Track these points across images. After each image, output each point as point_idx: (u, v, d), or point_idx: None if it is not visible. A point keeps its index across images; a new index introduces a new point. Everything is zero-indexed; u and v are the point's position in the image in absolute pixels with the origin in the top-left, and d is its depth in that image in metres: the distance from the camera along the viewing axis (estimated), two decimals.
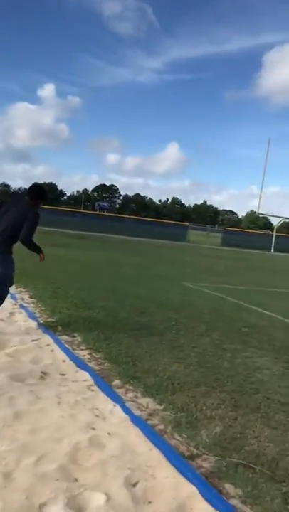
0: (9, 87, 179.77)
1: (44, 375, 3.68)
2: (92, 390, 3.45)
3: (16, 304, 6.00)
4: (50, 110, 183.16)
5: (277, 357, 4.98)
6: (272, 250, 39.75)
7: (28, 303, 6.20)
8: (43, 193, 5.02)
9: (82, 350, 4.42)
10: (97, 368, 3.95)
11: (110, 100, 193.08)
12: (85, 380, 3.62)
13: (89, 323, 5.32)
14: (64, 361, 4.06)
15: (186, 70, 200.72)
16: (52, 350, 4.29)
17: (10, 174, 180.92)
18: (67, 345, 4.47)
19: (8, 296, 5.15)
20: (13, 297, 6.21)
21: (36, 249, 4.76)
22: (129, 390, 3.51)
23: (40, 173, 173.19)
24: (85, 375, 3.72)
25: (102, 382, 3.58)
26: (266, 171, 42.21)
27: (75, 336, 4.85)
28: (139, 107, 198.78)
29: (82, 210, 58.58)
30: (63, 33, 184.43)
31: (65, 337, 4.78)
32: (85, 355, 4.25)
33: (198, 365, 4.28)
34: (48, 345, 4.44)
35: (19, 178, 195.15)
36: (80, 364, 3.97)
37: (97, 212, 64.35)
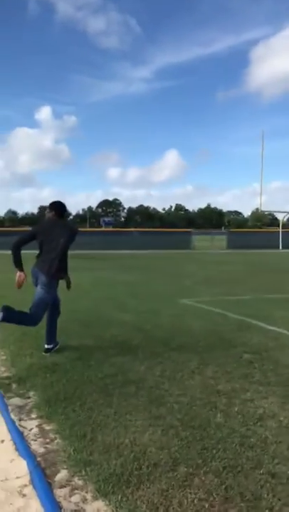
0: (7, 115, 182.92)
1: None
2: (24, 496, 2.46)
3: None
4: (49, 132, 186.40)
5: (286, 394, 3.95)
6: (280, 248, 38.51)
7: None
8: (63, 207, 5.16)
9: (33, 419, 3.44)
10: (42, 450, 2.96)
11: (105, 115, 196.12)
12: (18, 477, 2.63)
13: (51, 375, 4.33)
14: (3, 442, 3.09)
15: (175, 76, 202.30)
16: None
17: (18, 200, 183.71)
18: (13, 415, 3.49)
19: None
20: None
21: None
22: (76, 490, 2.51)
23: (46, 196, 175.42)
24: (22, 467, 2.73)
25: (41, 480, 2.59)
26: (266, 167, 41.19)
27: (29, 397, 3.87)
28: (133, 118, 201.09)
29: (87, 229, 57.68)
30: (52, 55, 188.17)
31: (16, 400, 3.81)
32: (32, 429, 3.27)
33: (181, 426, 3.26)
34: None
35: (27, 202, 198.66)
36: (21, 447, 2.98)
37: (103, 228, 63.44)
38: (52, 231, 4.81)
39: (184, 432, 3.17)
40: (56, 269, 4.72)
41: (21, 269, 4.76)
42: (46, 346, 5.13)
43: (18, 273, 4.77)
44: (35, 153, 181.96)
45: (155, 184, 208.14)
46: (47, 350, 5.09)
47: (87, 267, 17.88)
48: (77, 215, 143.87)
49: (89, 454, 2.85)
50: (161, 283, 12.60)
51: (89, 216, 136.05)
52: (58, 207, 5.05)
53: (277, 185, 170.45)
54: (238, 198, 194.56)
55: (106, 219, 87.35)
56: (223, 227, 52.55)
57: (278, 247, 38.63)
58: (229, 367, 4.71)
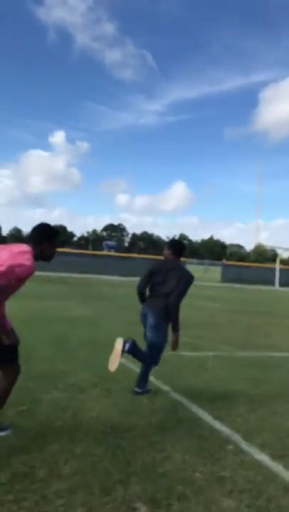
0: (21, 136, 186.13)
1: None
2: None
3: None
4: (62, 156, 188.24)
5: None
6: (276, 285, 35.87)
7: None
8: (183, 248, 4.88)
9: None
10: None
11: (116, 143, 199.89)
12: None
13: None
14: None
15: (186, 111, 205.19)
16: None
17: (28, 218, 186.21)
18: None
19: None
20: None
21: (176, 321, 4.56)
22: None
23: (55, 217, 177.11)
24: None
25: None
26: (271, 204, 39.14)
27: None
28: (143, 148, 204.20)
29: (87, 251, 55.05)
30: (69, 82, 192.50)
31: None
32: None
33: None
34: None
35: (37, 221, 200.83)
36: None
37: (105, 252, 60.62)
38: (168, 272, 4.64)
39: None
40: (167, 312, 4.56)
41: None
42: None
43: None
44: (47, 174, 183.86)
45: (162, 213, 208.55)
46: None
47: (62, 295, 15.46)
48: (82, 238, 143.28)
49: None
50: (117, 323, 10.09)
51: (94, 239, 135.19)
52: (179, 247, 4.85)
53: (280, 222, 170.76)
54: (242, 233, 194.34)
55: (109, 242, 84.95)
56: (224, 260, 50.19)
57: (274, 284, 36.05)
58: None
